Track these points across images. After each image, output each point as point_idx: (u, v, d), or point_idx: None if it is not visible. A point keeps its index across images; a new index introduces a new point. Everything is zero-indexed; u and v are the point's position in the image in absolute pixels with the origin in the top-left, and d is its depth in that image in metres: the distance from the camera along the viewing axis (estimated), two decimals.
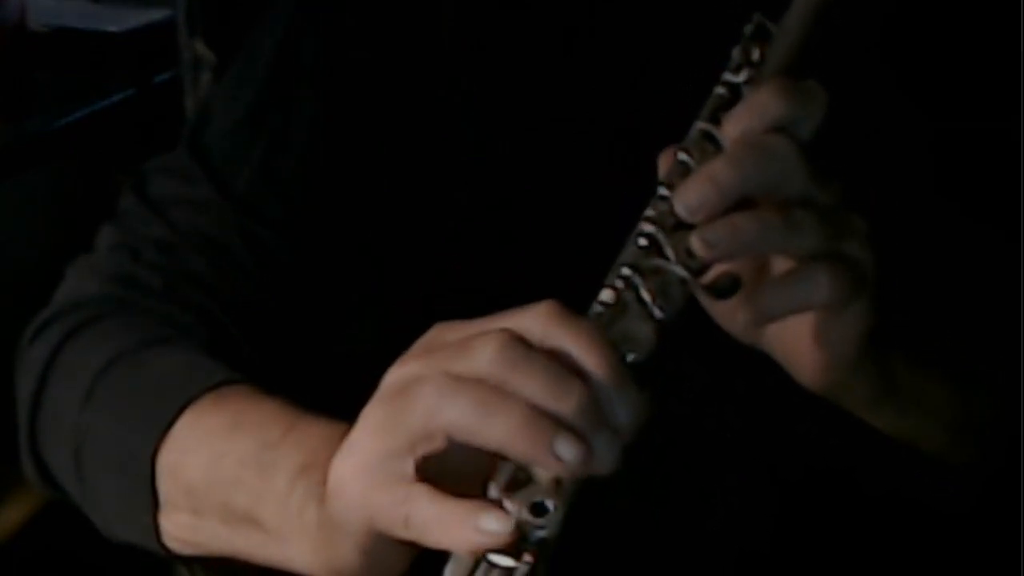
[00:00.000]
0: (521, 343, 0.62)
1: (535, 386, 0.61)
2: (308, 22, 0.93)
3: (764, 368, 0.74)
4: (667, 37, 0.87)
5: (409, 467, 0.63)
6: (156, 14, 1.89)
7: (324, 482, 0.67)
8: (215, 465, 0.76)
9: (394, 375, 0.65)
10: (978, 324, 0.85)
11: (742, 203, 0.66)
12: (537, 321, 0.63)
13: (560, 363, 0.61)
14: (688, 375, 0.84)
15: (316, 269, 0.92)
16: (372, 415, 0.65)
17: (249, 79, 0.95)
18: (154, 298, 0.89)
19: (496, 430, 0.61)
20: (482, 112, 0.89)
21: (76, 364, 0.87)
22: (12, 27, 1.87)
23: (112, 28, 1.91)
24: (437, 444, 0.63)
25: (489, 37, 0.89)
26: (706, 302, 0.69)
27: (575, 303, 0.65)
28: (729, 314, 0.71)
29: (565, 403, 0.60)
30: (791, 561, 0.89)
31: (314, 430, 0.73)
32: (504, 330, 0.62)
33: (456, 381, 0.61)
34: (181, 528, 0.80)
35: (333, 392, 0.79)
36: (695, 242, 0.65)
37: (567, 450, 0.60)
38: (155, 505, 0.80)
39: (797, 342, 0.71)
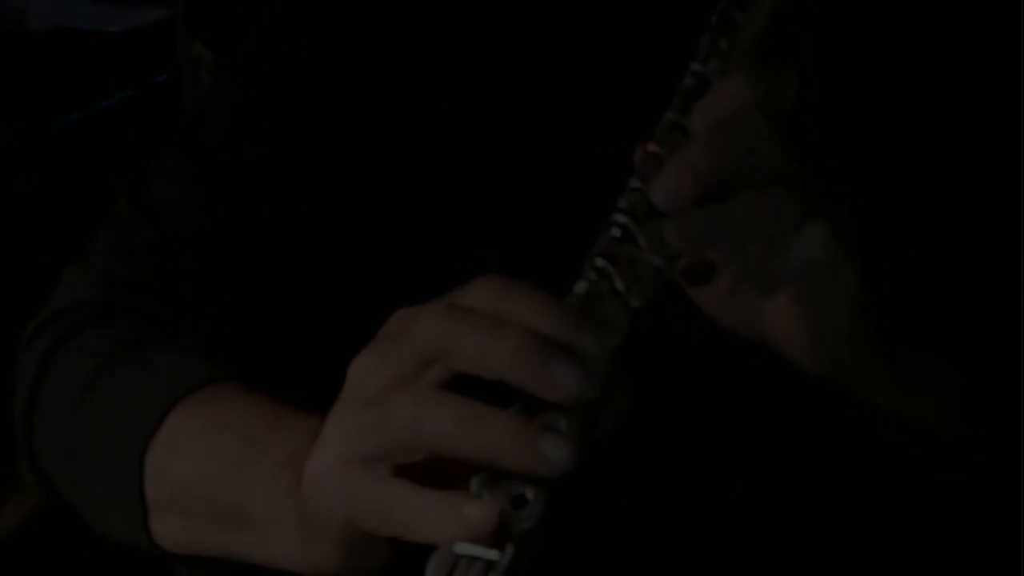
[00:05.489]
0: (457, 308, 0.62)
1: (471, 338, 0.61)
2: (305, 22, 0.93)
3: (763, 355, 0.73)
4: (667, 37, 0.87)
5: (386, 465, 0.63)
6: (156, 14, 1.89)
7: None
8: (202, 465, 0.77)
9: (357, 372, 0.64)
10: (977, 326, 0.85)
11: (717, 185, 0.65)
12: (483, 293, 0.62)
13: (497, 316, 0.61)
14: (688, 363, 0.83)
15: (312, 269, 0.92)
16: (345, 417, 0.64)
17: (246, 80, 0.95)
18: (146, 299, 0.89)
19: (480, 444, 0.60)
20: (481, 112, 0.89)
21: (69, 368, 0.87)
22: (12, 27, 1.87)
23: (112, 28, 1.91)
24: (415, 457, 0.62)
25: (489, 37, 0.89)
26: (689, 291, 0.68)
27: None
28: (717, 304, 0.70)
29: (504, 344, 0.60)
30: (793, 551, 0.89)
31: (298, 424, 0.73)
32: (440, 302, 0.62)
33: (437, 395, 0.61)
34: (172, 529, 0.80)
35: (327, 387, 0.79)
36: (671, 234, 0.64)
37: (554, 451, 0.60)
38: (145, 508, 0.80)
39: (788, 320, 0.70)
